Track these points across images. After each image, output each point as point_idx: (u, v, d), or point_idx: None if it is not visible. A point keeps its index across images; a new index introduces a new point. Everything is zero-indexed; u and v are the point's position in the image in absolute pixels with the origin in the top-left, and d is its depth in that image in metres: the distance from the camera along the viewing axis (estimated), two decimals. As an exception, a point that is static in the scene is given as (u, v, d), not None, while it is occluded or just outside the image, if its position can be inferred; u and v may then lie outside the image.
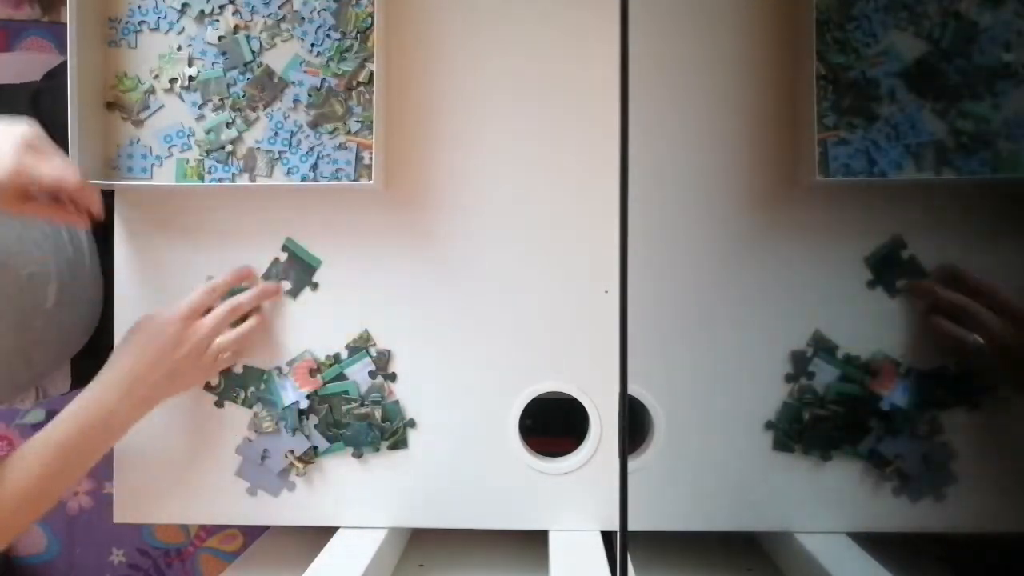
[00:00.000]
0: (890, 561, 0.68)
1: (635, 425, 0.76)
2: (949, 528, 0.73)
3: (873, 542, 0.71)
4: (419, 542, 0.85)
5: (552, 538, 0.73)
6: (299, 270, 0.75)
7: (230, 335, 0.71)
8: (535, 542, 0.76)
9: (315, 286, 0.74)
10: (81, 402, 0.65)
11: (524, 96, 0.73)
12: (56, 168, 0.61)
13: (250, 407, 0.75)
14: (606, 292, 0.73)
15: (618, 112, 0.72)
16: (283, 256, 0.75)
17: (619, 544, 0.71)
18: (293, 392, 0.74)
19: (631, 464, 0.74)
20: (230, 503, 0.76)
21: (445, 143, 0.74)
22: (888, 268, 0.72)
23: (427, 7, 0.74)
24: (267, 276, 0.74)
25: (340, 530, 0.75)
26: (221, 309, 0.71)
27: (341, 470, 0.75)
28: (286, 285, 0.74)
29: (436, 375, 0.75)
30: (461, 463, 0.75)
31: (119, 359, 0.67)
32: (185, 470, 0.75)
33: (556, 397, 0.75)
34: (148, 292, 0.75)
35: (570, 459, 0.75)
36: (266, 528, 0.98)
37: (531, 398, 0.74)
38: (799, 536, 0.73)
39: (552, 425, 0.78)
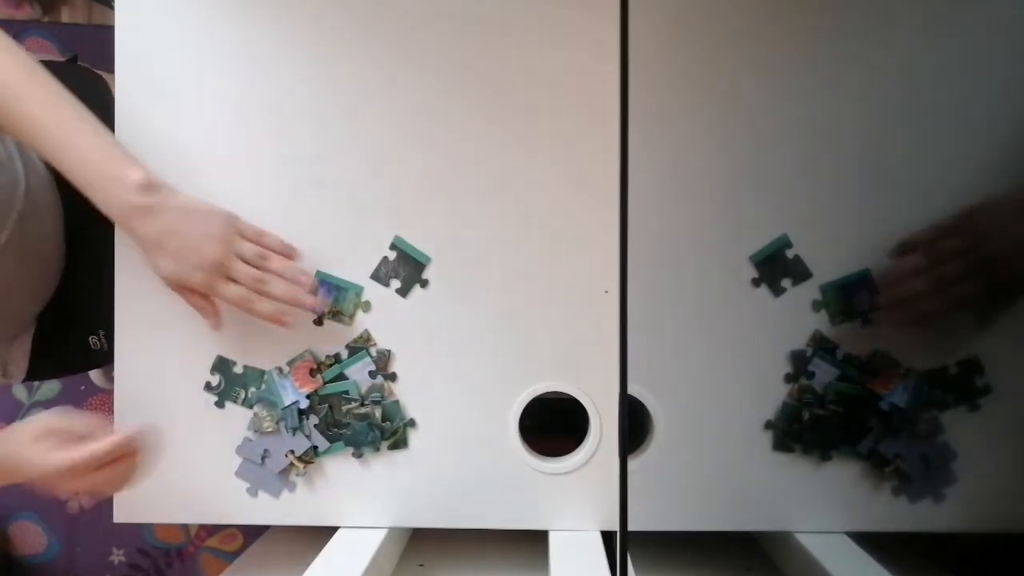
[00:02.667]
0: (890, 561, 0.68)
1: (635, 425, 0.76)
2: (949, 528, 0.73)
3: (873, 542, 0.71)
4: (419, 542, 0.85)
5: (552, 538, 0.73)
6: (409, 268, 0.74)
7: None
8: (535, 542, 0.76)
9: (425, 283, 0.74)
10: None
11: (523, 95, 0.73)
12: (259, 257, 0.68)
13: (250, 407, 0.75)
14: (606, 292, 0.73)
15: (618, 110, 0.72)
16: (392, 254, 0.74)
17: (619, 544, 0.71)
18: (293, 392, 0.74)
19: (631, 464, 0.74)
20: (230, 503, 0.76)
21: (443, 142, 0.74)
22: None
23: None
24: (376, 275, 0.74)
25: (340, 530, 0.75)
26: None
27: (341, 470, 0.75)
28: (395, 284, 0.74)
29: (436, 375, 0.75)
30: (461, 463, 0.75)
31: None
32: (185, 470, 0.75)
33: (556, 397, 0.75)
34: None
35: (570, 459, 0.75)
36: (266, 528, 0.98)
37: (531, 398, 0.74)
38: (799, 536, 0.73)
39: (552, 425, 0.78)
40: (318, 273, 0.74)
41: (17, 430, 0.62)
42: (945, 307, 0.67)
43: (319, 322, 0.74)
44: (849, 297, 0.72)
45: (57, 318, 0.80)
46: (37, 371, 0.82)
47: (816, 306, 0.73)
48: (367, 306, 0.74)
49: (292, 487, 0.75)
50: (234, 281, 0.67)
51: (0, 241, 0.69)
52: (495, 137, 0.74)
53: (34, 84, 0.63)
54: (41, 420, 0.63)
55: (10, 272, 0.72)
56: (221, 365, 0.75)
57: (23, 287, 0.76)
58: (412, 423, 0.75)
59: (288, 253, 0.72)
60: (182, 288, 0.68)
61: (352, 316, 0.74)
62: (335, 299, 0.74)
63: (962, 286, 0.64)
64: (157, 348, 0.75)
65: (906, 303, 0.69)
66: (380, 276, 0.74)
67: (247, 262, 0.68)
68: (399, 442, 0.75)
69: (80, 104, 0.64)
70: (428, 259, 0.74)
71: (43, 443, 0.61)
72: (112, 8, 0.74)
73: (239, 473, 0.75)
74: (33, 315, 0.79)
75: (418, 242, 0.74)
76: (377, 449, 0.75)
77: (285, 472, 0.75)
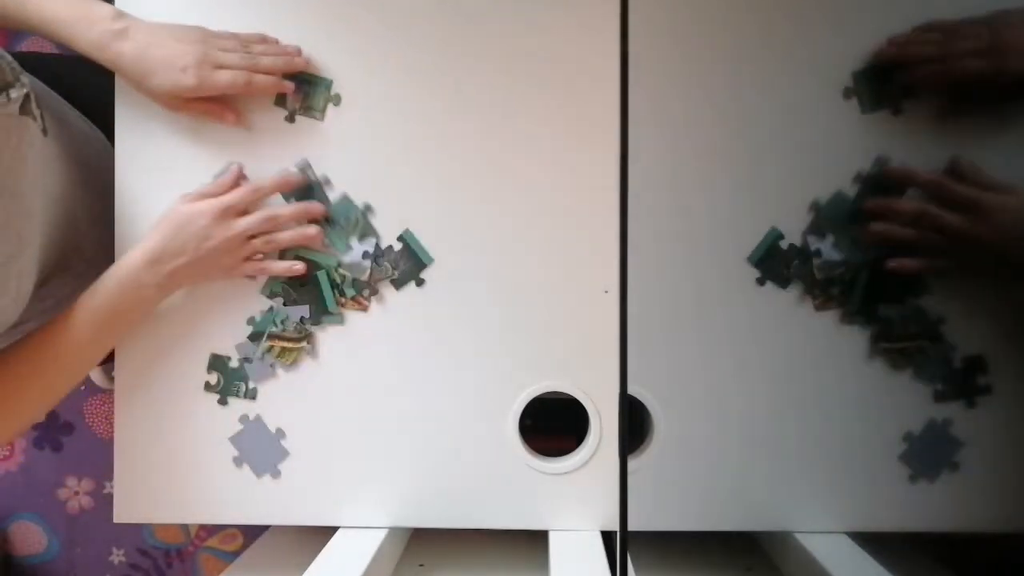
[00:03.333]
0: (890, 561, 0.68)
1: (635, 425, 0.76)
2: (949, 528, 0.73)
3: (873, 542, 0.71)
4: (419, 542, 0.85)
5: (552, 538, 0.73)
6: (409, 263, 0.74)
7: (268, 238, 0.71)
8: (535, 542, 0.76)
9: (421, 282, 0.74)
10: (110, 274, 0.67)
11: (523, 94, 0.73)
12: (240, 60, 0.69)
13: (253, 399, 0.75)
14: (606, 292, 0.73)
15: (618, 109, 0.72)
16: (397, 246, 0.74)
17: (619, 544, 0.71)
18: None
19: (631, 464, 0.74)
20: (230, 503, 0.76)
21: (444, 141, 0.74)
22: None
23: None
24: (376, 261, 0.74)
25: (340, 530, 0.75)
26: (258, 215, 0.70)
27: (341, 468, 0.75)
28: (391, 272, 0.74)
29: (436, 374, 0.75)
30: (461, 463, 0.75)
31: (147, 240, 0.68)
32: (185, 470, 0.75)
33: (556, 397, 0.75)
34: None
35: (570, 459, 0.75)
36: (266, 528, 0.98)
37: (531, 398, 0.74)
38: (799, 536, 0.73)
39: (552, 425, 0.78)
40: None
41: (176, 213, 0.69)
42: (948, 77, 0.67)
43: (291, 119, 0.74)
44: (881, 83, 0.70)
45: None
46: None
47: (847, 93, 0.71)
48: (337, 99, 0.74)
49: (277, 474, 0.75)
50: (225, 69, 0.69)
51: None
52: (494, 138, 0.74)
53: None
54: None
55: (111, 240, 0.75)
56: (216, 363, 0.75)
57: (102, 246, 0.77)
58: (370, 208, 0.74)
59: (265, 39, 0.72)
60: (181, 101, 0.70)
61: (323, 111, 0.74)
62: (305, 94, 0.74)
63: (968, 61, 0.65)
64: (157, 348, 0.75)
65: (915, 66, 0.68)
66: (380, 264, 0.74)
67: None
68: (364, 230, 0.74)
69: None
70: (431, 260, 0.74)
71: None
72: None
73: (233, 438, 0.75)
74: None
75: (423, 240, 0.74)
76: (349, 247, 0.74)
77: (276, 452, 0.75)
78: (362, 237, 0.74)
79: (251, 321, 0.75)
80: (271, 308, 0.74)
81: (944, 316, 0.72)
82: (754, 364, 0.73)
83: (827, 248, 0.72)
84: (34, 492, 1.48)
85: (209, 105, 0.71)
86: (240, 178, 0.72)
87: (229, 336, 0.75)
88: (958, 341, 0.72)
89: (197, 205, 0.69)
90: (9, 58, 0.59)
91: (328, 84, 0.73)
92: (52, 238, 0.68)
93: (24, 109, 0.60)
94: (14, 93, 0.58)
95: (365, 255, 0.74)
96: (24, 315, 0.66)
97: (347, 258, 0.74)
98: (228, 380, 0.75)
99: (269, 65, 0.70)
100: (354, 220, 0.74)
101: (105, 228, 0.75)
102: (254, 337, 0.75)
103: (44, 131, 0.64)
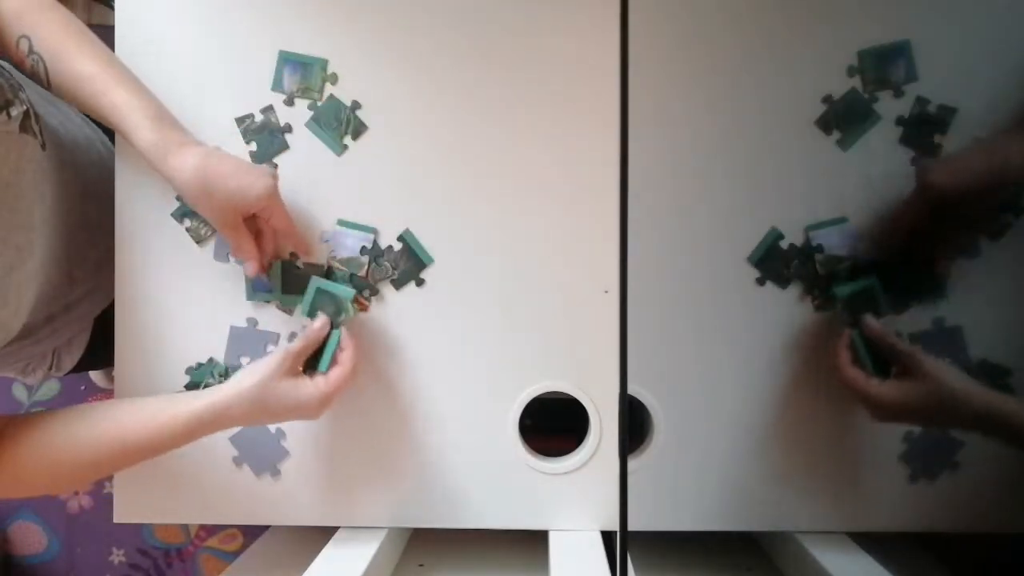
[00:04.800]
0: (890, 561, 0.68)
1: (635, 425, 0.76)
2: (949, 528, 0.73)
3: (873, 542, 0.71)
4: (419, 542, 0.85)
5: (552, 538, 0.73)
6: (410, 263, 0.74)
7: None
8: (535, 542, 0.76)
9: (421, 282, 0.74)
10: (198, 411, 0.64)
11: (523, 94, 0.73)
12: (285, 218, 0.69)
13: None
14: (606, 292, 0.73)
15: (618, 109, 0.72)
16: (397, 246, 0.74)
17: (619, 544, 0.71)
18: None
19: (631, 464, 0.74)
20: (230, 502, 0.76)
21: (444, 141, 0.74)
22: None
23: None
24: (376, 261, 0.74)
25: (340, 530, 0.75)
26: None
27: (341, 468, 0.75)
28: (391, 272, 0.74)
29: (436, 375, 0.75)
30: (461, 463, 0.75)
31: (263, 396, 0.65)
32: (185, 469, 0.75)
33: (556, 397, 0.75)
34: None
35: (570, 459, 0.75)
36: (266, 528, 0.98)
37: (531, 398, 0.74)
38: (799, 536, 0.73)
39: (552, 425, 0.78)
40: (281, 53, 0.73)
41: (263, 371, 0.65)
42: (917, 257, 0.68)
43: (289, 102, 0.73)
44: (886, 65, 0.70)
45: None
46: (88, 362, 0.84)
47: (851, 71, 0.71)
48: (334, 78, 0.73)
49: (277, 473, 0.75)
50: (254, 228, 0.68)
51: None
52: (494, 138, 0.74)
53: (84, 44, 0.65)
54: (281, 355, 0.66)
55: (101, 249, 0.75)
56: (211, 365, 0.75)
57: (106, 275, 0.77)
58: (357, 104, 0.73)
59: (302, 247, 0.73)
60: (235, 214, 0.66)
61: (321, 91, 0.73)
62: (301, 76, 0.73)
63: (929, 230, 0.66)
64: (157, 348, 0.75)
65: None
66: (379, 264, 0.74)
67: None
68: (357, 128, 0.73)
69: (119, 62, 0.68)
70: (431, 260, 0.74)
71: (290, 379, 0.66)
72: (112, 8, 0.74)
73: (233, 438, 0.75)
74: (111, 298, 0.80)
75: (424, 240, 0.74)
76: (345, 146, 0.73)
77: (276, 451, 0.75)
78: (356, 135, 0.73)
79: (189, 371, 0.75)
80: (210, 359, 0.74)
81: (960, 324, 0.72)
82: (754, 364, 0.73)
83: (829, 242, 0.72)
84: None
85: (249, 242, 0.68)
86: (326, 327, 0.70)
87: (218, 343, 0.75)
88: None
89: (311, 393, 0.66)
90: (9, 74, 0.60)
91: (324, 64, 0.73)
92: (53, 249, 0.68)
93: (24, 126, 0.60)
94: (14, 111, 0.59)
95: (363, 250, 0.74)
96: (30, 325, 0.66)
97: (344, 253, 0.74)
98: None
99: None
100: (344, 119, 0.73)
101: (106, 236, 0.74)
102: (191, 387, 0.74)
103: (43, 145, 0.64)
